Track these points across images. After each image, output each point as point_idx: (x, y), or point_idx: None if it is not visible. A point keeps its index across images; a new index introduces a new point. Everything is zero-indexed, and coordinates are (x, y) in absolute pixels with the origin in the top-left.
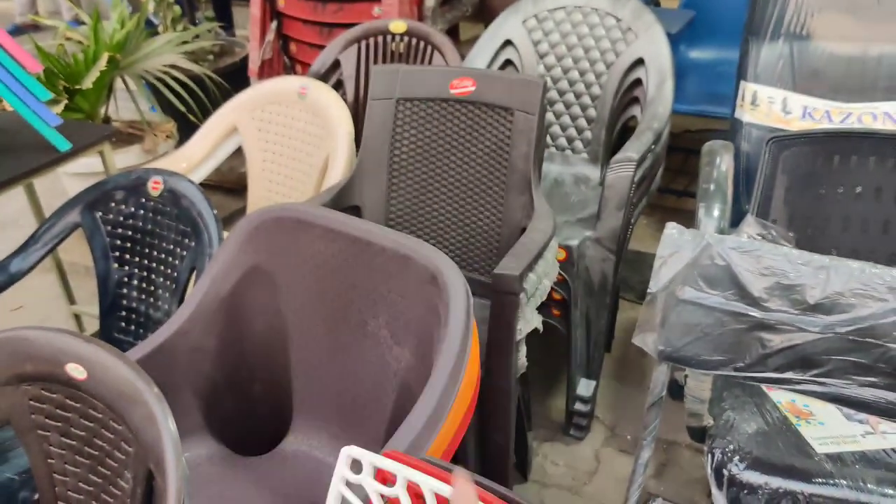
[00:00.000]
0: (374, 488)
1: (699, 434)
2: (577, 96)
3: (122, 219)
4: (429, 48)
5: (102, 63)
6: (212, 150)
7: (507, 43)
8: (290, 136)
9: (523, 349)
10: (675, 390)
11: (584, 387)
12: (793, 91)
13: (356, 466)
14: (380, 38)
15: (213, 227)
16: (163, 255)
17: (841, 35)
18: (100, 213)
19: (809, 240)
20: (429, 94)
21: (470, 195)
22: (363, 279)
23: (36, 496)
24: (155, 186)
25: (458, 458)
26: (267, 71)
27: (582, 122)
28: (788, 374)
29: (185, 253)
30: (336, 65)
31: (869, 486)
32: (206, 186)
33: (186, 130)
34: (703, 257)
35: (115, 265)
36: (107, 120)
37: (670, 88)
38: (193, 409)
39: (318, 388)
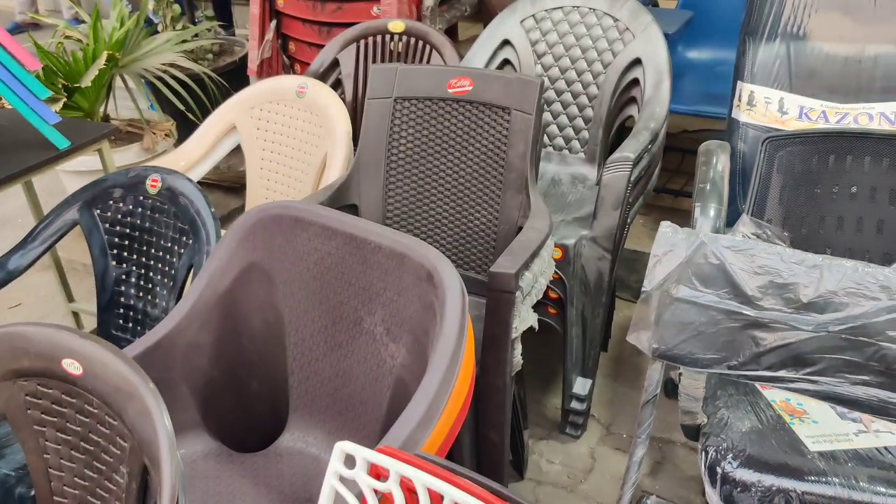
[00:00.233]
0: (367, 483)
1: (693, 432)
2: (575, 96)
3: (120, 216)
4: (427, 48)
5: (101, 61)
6: (210, 149)
7: (506, 43)
8: (289, 135)
9: (519, 347)
10: (671, 389)
11: (580, 385)
12: (789, 91)
13: (350, 462)
14: (378, 38)
15: (210, 224)
16: (161, 253)
17: (837, 36)
18: (98, 211)
19: (804, 239)
20: (426, 94)
21: (467, 194)
22: (359, 276)
23: (32, 492)
24: (153, 184)
25: (454, 455)
26: (266, 70)
27: (579, 121)
28: (782, 373)
29: (182, 250)
30: (335, 64)
31: (861, 483)
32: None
33: (185, 129)
34: (698, 256)
35: (114, 262)
36: (106, 118)
37: (667, 88)
38: (190, 405)
39: (315, 384)
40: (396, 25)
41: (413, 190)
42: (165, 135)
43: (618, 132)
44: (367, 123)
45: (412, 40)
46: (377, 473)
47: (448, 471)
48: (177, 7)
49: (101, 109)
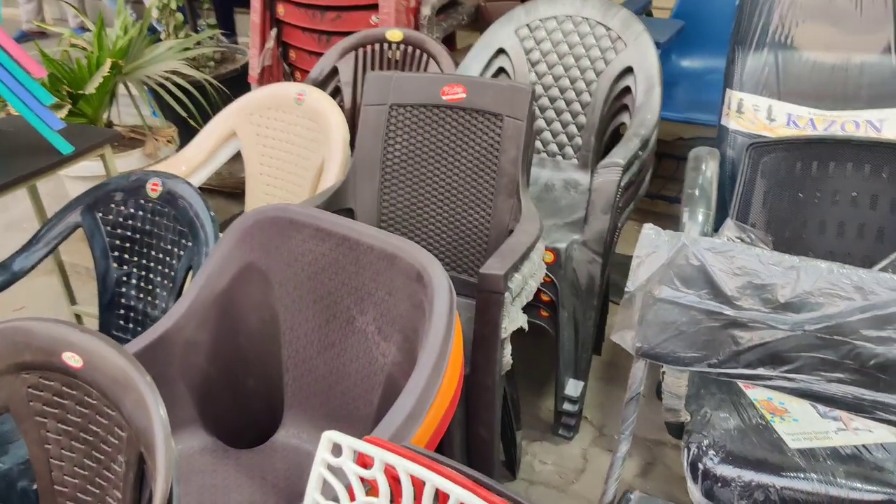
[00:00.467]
0: (353, 471)
1: (677, 430)
2: (568, 103)
3: (121, 219)
4: (424, 56)
5: (105, 69)
6: (211, 154)
7: (500, 51)
8: (287, 141)
9: (508, 347)
10: (660, 391)
11: (573, 387)
12: (777, 99)
13: (337, 450)
14: (377, 46)
15: (209, 226)
16: (161, 255)
17: (824, 45)
18: (100, 214)
19: (787, 243)
20: (421, 101)
21: (460, 198)
22: (352, 277)
23: (34, 486)
24: (154, 188)
25: (445, 452)
26: (267, 77)
27: (572, 128)
28: (760, 371)
29: (182, 252)
30: (334, 71)
31: (839, 480)
32: (207, 191)
33: (187, 135)
34: (679, 257)
35: (115, 264)
36: (109, 124)
37: (658, 96)
38: (187, 401)
39: (309, 382)
40: (394, 34)
41: (407, 194)
42: (167, 141)
43: (611, 138)
44: (363, 129)
45: (410, 49)
46: (364, 462)
47: (431, 459)
48: (179, 16)
49: (105, 116)
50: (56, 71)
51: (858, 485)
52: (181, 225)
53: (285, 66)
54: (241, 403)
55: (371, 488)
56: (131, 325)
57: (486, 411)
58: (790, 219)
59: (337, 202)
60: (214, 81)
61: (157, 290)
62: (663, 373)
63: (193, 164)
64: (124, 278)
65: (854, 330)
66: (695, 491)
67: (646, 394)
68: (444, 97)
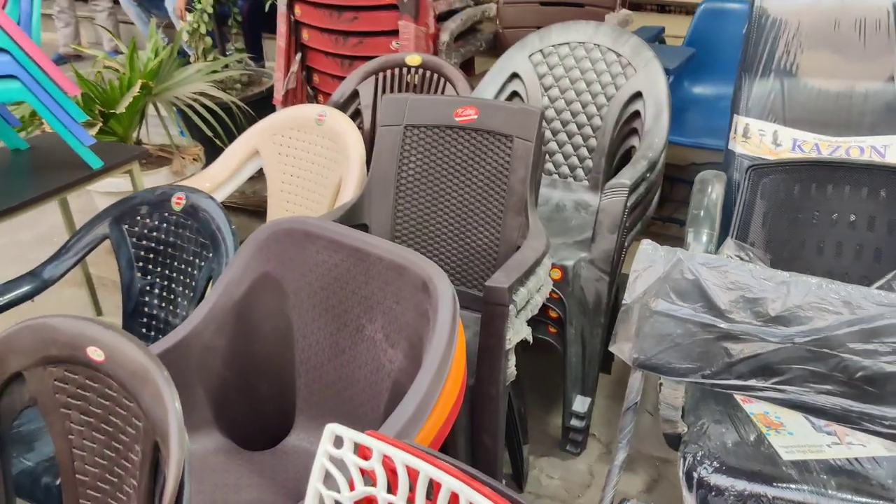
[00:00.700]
0: (353, 462)
1: (675, 441)
2: (580, 127)
3: (146, 231)
4: (441, 80)
5: (136, 89)
6: (234, 172)
7: (514, 76)
8: (308, 160)
9: (513, 358)
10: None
11: (580, 403)
12: (783, 125)
13: (339, 443)
14: (396, 70)
15: (229, 238)
16: (183, 266)
17: (829, 73)
18: (126, 226)
19: (786, 262)
20: (434, 122)
21: (470, 215)
22: (362, 286)
23: (57, 481)
24: (178, 202)
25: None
26: (291, 100)
27: (583, 151)
28: (752, 382)
29: (203, 263)
30: (355, 94)
31: (830, 491)
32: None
33: (213, 154)
34: (675, 272)
35: (139, 274)
36: (138, 143)
37: (666, 120)
38: (204, 404)
39: (320, 387)
40: (413, 59)
41: (420, 211)
42: (193, 159)
43: (621, 161)
44: (379, 149)
45: (428, 73)
46: (364, 455)
47: (426, 453)
48: (209, 40)
49: (134, 134)
50: (89, 91)
51: (849, 496)
52: (203, 237)
53: (309, 90)
54: (255, 407)
55: (370, 480)
56: (153, 333)
57: (491, 420)
58: (789, 239)
59: (353, 218)
60: (240, 103)
61: (179, 299)
62: (661, 384)
63: (217, 180)
64: (147, 288)
65: (842, 343)
66: (690, 499)
67: (652, 411)
68: (456, 118)
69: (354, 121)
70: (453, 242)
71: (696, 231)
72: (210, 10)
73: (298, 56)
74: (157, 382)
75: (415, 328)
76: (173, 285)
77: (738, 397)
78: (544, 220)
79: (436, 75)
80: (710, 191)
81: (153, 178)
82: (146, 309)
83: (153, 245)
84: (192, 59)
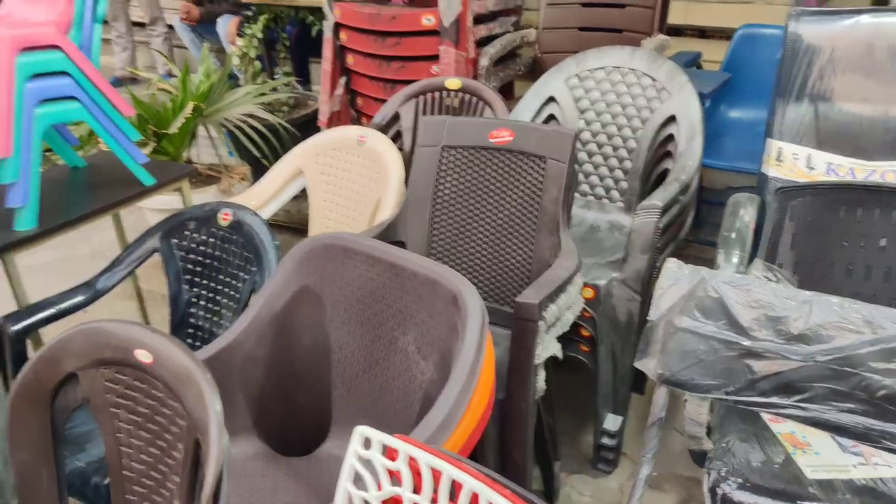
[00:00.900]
0: (380, 463)
1: (700, 457)
2: (615, 149)
3: (194, 245)
4: (480, 103)
5: (188, 111)
6: (279, 190)
7: (551, 99)
8: (349, 179)
9: (542, 374)
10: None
11: (611, 422)
12: (817, 148)
13: (367, 445)
14: (436, 94)
15: (272, 253)
16: (228, 279)
17: (863, 97)
18: (175, 240)
19: (814, 283)
20: (470, 143)
21: (504, 234)
22: (396, 300)
23: (106, 481)
24: (224, 217)
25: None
26: (335, 122)
27: (618, 173)
28: (774, 399)
29: (247, 276)
30: (396, 117)
31: None
32: (276, 226)
33: (260, 174)
34: (699, 290)
35: (186, 287)
36: (188, 162)
37: (699, 143)
38: (244, 411)
39: (355, 398)
40: (453, 83)
41: (455, 229)
42: (241, 178)
43: (655, 183)
44: (417, 168)
45: (467, 96)
46: (391, 456)
47: (450, 456)
48: (258, 64)
49: (185, 154)
50: (144, 112)
51: None
52: (247, 251)
53: (353, 112)
54: (293, 415)
55: (396, 480)
56: (198, 344)
57: (520, 434)
58: (817, 261)
59: (390, 235)
60: (287, 125)
61: (223, 311)
62: (685, 401)
63: (263, 198)
64: (194, 300)
65: (863, 362)
66: None
67: (682, 431)
68: (491, 140)
69: (396, 142)
70: (487, 260)
71: (727, 252)
72: (260, 35)
73: (343, 80)
74: (199, 384)
75: (445, 341)
76: (218, 297)
77: (766, 417)
78: (579, 241)
79: (474, 98)
80: (743, 213)
81: (202, 196)
82: (192, 320)
83: (200, 259)
84: (241, 82)
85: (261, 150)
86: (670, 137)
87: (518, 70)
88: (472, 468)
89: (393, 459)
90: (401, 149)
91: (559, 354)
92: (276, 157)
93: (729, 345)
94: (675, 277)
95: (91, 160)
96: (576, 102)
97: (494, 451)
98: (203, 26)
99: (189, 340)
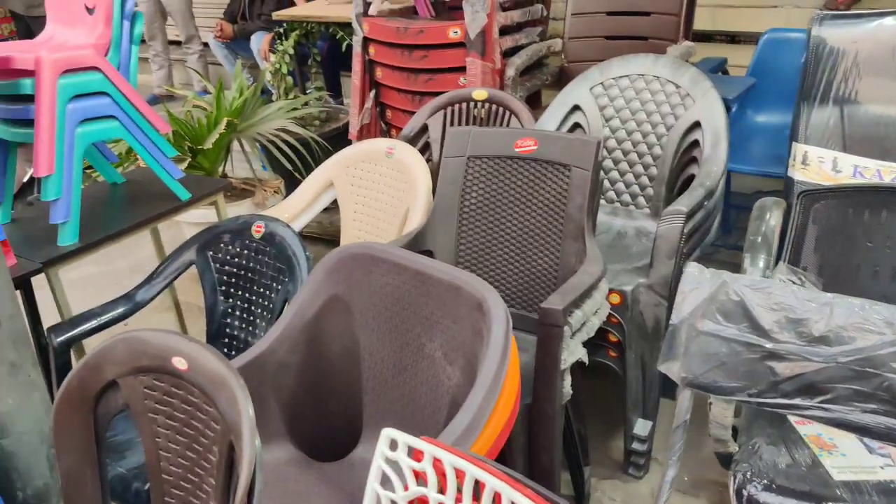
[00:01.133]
0: (406, 463)
1: (726, 460)
2: (640, 156)
3: (228, 257)
4: (507, 113)
5: (222, 126)
6: (311, 202)
7: (576, 108)
8: (378, 190)
9: (568, 378)
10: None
11: (641, 427)
12: (843, 151)
13: (394, 446)
14: (464, 105)
15: (304, 263)
16: (261, 290)
17: (888, 99)
18: (210, 253)
19: (839, 286)
20: (496, 153)
21: (530, 242)
22: (422, 307)
23: (146, 486)
24: (258, 230)
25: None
26: (365, 134)
27: (644, 179)
28: (797, 401)
29: (279, 287)
30: (424, 129)
31: None
32: (309, 237)
33: (292, 187)
34: (720, 293)
35: (222, 298)
36: (223, 176)
37: (724, 149)
38: (277, 417)
39: (385, 403)
40: (480, 94)
41: (482, 237)
42: (274, 192)
43: (681, 189)
44: (443, 179)
45: (494, 106)
46: (417, 458)
47: (474, 458)
48: (290, 79)
49: (220, 168)
50: (179, 129)
51: None
52: (280, 262)
53: (382, 124)
54: (325, 421)
55: (422, 481)
56: (234, 353)
57: (547, 438)
58: (842, 263)
59: (418, 244)
60: (318, 139)
61: (258, 320)
62: (710, 404)
63: (295, 210)
64: (229, 310)
65: (885, 362)
66: None
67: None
68: (516, 149)
69: (424, 153)
70: (514, 267)
71: (753, 256)
72: (291, 51)
73: (373, 93)
74: (232, 388)
75: (471, 346)
76: (252, 307)
77: (792, 419)
78: (606, 247)
79: (501, 108)
80: (768, 217)
81: (237, 209)
82: (228, 330)
83: (235, 270)
84: (274, 98)
85: (293, 163)
86: (695, 143)
87: (545, 80)
88: (494, 468)
89: (419, 461)
90: (430, 160)
91: (585, 359)
92: (309, 170)
93: (751, 347)
94: (697, 281)
95: (129, 176)
96: (601, 111)
97: (523, 455)
98: (237, 43)
99: (225, 350)
